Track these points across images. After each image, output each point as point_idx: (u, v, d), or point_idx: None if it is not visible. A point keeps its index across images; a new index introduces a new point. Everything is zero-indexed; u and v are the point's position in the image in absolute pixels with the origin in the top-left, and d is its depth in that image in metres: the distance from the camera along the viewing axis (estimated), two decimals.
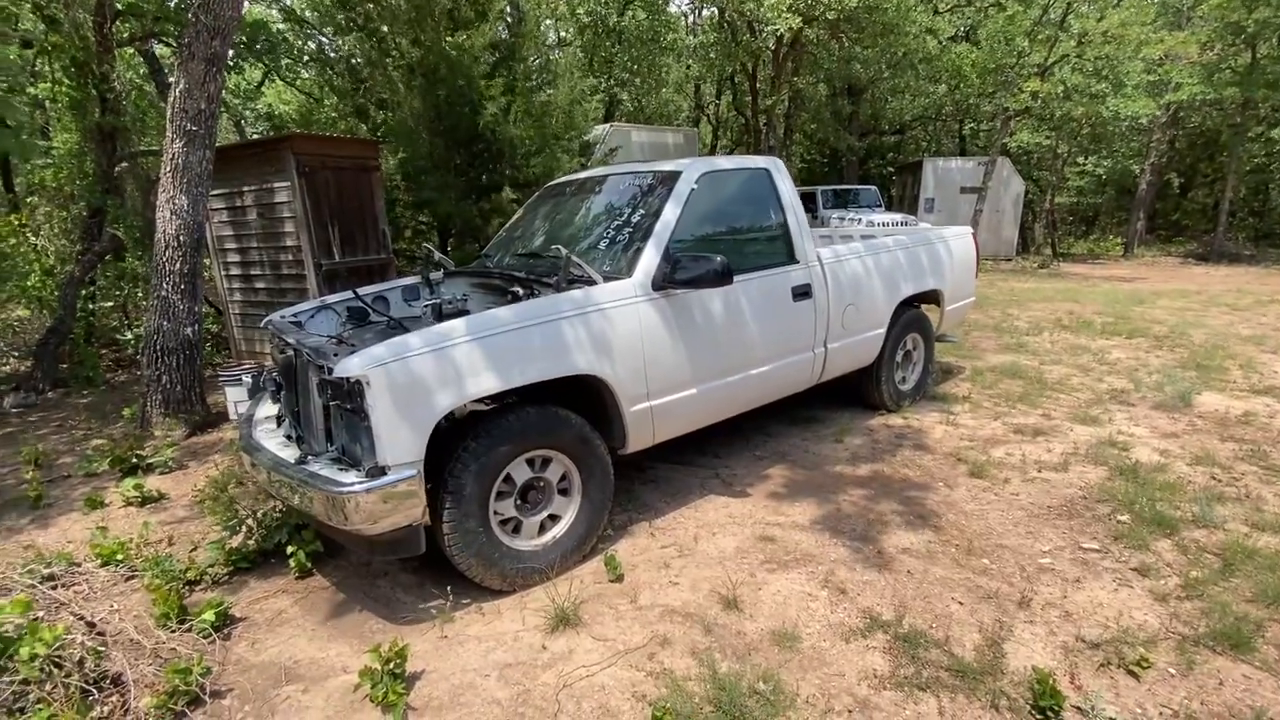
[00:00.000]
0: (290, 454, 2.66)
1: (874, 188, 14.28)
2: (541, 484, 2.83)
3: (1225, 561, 2.77)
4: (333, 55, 8.90)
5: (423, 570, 2.90)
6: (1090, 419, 4.47)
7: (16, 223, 6.54)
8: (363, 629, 2.56)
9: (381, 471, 2.33)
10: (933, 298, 4.85)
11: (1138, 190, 15.77)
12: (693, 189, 3.30)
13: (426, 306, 3.93)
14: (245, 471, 3.20)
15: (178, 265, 4.55)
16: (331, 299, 3.81)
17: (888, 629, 2.46)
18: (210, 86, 4.42)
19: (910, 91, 15.15)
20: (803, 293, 3.68)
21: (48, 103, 7.00)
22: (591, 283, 2.93)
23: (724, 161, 3.56)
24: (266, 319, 3.62)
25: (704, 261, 2.90)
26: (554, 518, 2.88)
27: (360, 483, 2.28)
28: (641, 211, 3.26)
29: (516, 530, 2.78)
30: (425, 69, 6.97)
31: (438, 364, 2.40)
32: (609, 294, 2.88)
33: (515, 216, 4.31)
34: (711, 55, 13.39)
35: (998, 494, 3.50)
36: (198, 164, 4.51)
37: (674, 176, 3.32)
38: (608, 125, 9.68)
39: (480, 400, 2.64)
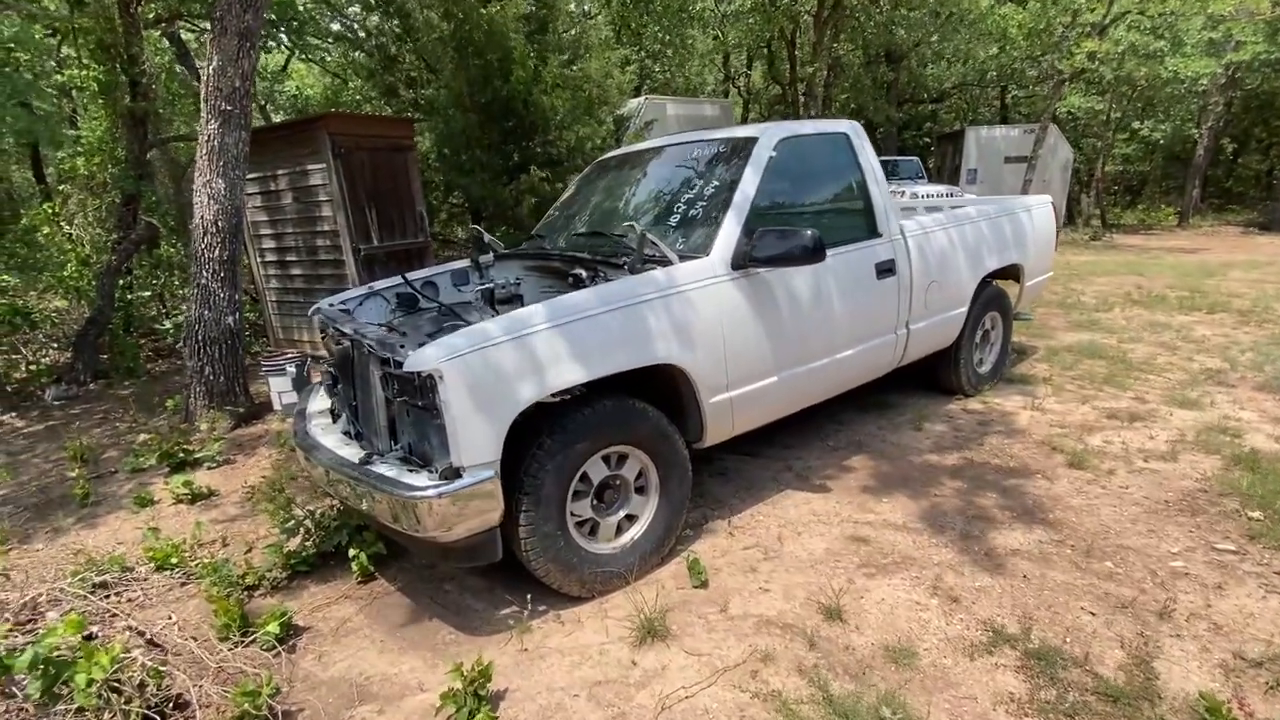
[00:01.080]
0: (351, 452, 2.47)
1: (915, 159, 13.67)
2: (618, 482, 2.61)
3: None
4: (360, 34, 8.65)
5: (491, 573, 2.70)
6: (1189, 402, 4.12)
7: (50, 211, 6.46)
8: (435, 640, 2.38)
9: (456, 473, 2.13)
10: (1012, 273, 4.50)
11: (1194, 156, 14.92)
12: (771, 156, 3.00)
13: (477, 291, 3.73)
14: (300, 469, 3.03)
15: (216, 252, 4.38)
16: (379, 285, 3.60)
17: (1015, 644, 2.20)
18: (244, 63, 4.20)
19: (951, 56, 14.40)
20: (886, 269, 3.38)
21: (74, 90, 6.87)
22: (667, 263, 2.67)
23: (803, 126, 3.25)
24: (314, 308, 3.43)
25: (791, 236, 2.61)
26: (631, 518, 2.66)
27: (434, 486, 2.08)
28: (715, 183, 2.98)
29: (593, 532, 2.57)
30: (459, 41, 6.69)
31: (515, 355, 2.17)
32: (689, 274, 2.62)
33: (566, 193, 4.05)
34: (751, 21, 12.81)
35: (1105, 487, 3.20)
36: (234, 146, 4.31)
37: (750, 143, 3.03)
38: (642, 98, 9.32)
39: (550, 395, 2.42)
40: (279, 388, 4.68)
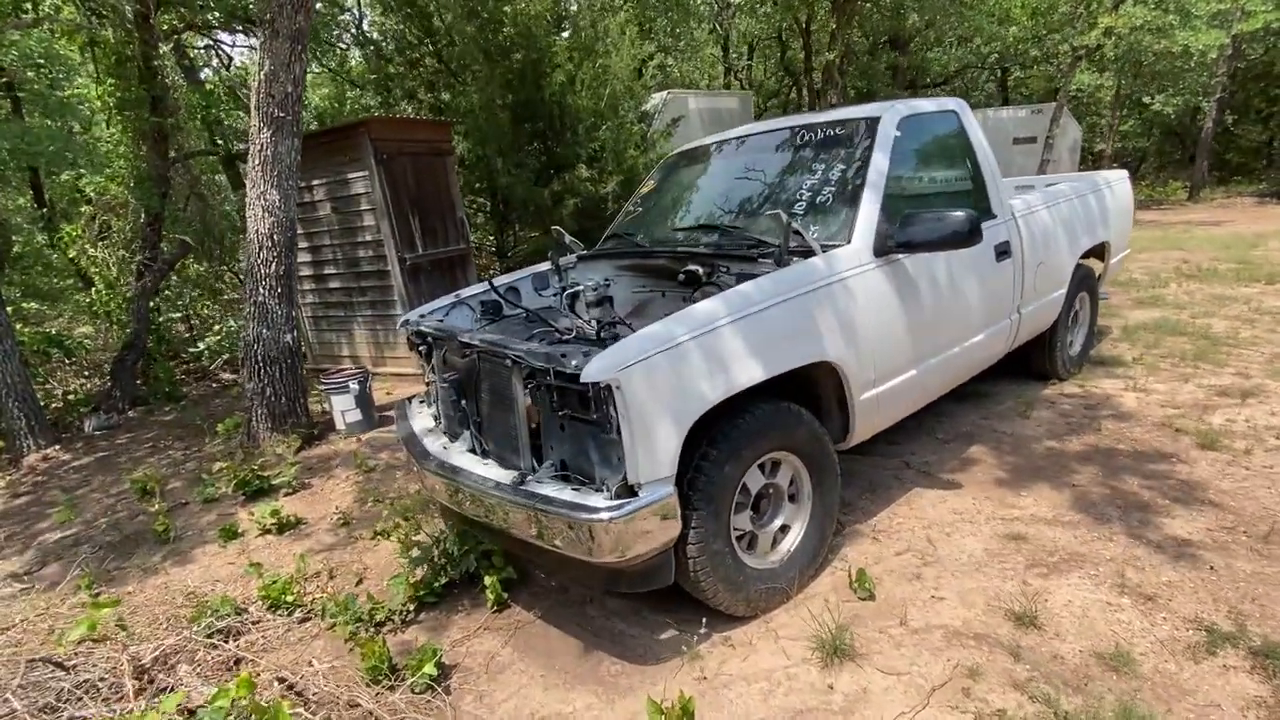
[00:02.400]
0: (494, 473, 2.28)
1: None
2: (771, 491, 2.43)
3: None
4: (376, 37, 8.42)
5: (631, 595, 2.52)
6: None
7: (73, 234, 6.20)
8: (600, 673, 2.19)
9: (631, 491, 1.95)
10: (1096, 250, 4.36)
11: (1202, 129, 14.91)
12: (896, 136, 2.84)
13: (566, 295, 3.54)
14: (422, 493, 2.84)
15: (272, 267, 4.17)
16: (465, 293, 3.42)
17: (1235, 642, 2.04)
18: (296, 68, 4.00)
19: (953, 39, 14.31)
20: (1004, 251, 3.22)
21: (93, 104, 6.61)
22: (810, 254, 2.49)
23: (919, 103, 3.08)
24: (403, 320, 3.24)
25: (945, 219, 2.44)
26: (784, 528, 2.49)
27: (614, 506, 1.89)
28: (841, 166, 2.81)
29: (750, 546, 2.39)
30: (488, 41, 6.49)
31: (693, 358, 2.00)
32: (841, 264, 2.45)
33: (644, 188, 3.87)
34: (766, 9, 12.62)
35: (1247, 467, 3.05)
36: (287, 154, 4.11)
37: (873, 123, 2.86)
38: (665, 93, 9.15)
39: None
40: (342, 406, 4.47)
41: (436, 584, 2.53)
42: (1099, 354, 4.72)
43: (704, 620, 2.26)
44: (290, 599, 2.57)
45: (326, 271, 6.01)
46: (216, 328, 6.43)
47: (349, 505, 3.52)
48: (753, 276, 2.54)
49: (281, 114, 4.02)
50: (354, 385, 4.43)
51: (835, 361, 2.39)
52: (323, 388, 4.52)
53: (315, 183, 5.66)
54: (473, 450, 2.54)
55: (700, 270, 2.78)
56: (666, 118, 8.39)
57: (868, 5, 10.69)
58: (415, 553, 2.57)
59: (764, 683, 2.07)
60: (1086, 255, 4.28)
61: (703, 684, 2.09)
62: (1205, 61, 13.08)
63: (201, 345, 6.34)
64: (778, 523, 2.45)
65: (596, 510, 1.90)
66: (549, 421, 2.18)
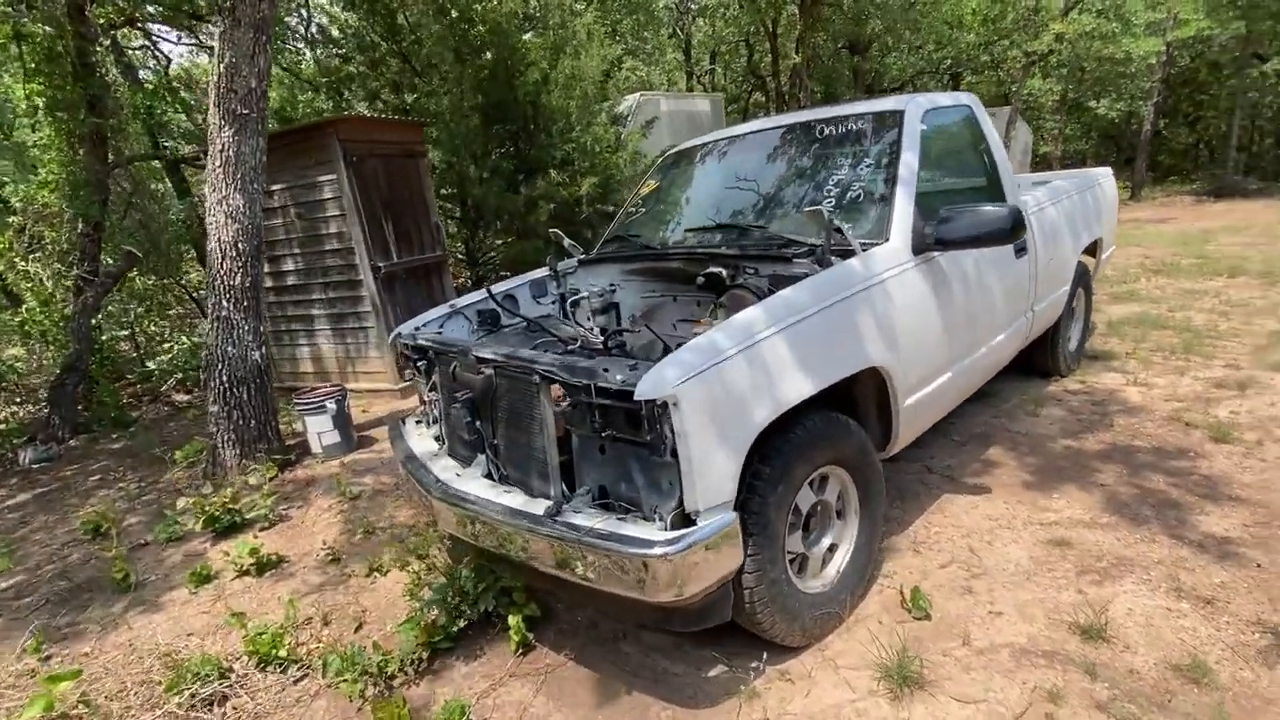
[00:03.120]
0: (516, 501, 2.05)
1: None
2: (820, 508, 2.27)
3: None
4: (336, 35, 7.99)
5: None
6: None
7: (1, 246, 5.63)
8: (649, 717, 1.98)
9: (688, 519, 1.75)
10: (1090, 247, 4.38)
11: (1140, 132, 15.67)
12: (921, 129, 2.73)
13: (560, 300, 3.32)
14: (426, 523, 2.57)
15: (238, 279, 3.81)
16: (460, 303, 3.17)
17: None
18: (260, 60, 3.66)
19: (910, 44, 14.66)
20: (1021, 248, 3.15)
21: (18, 104, 6.01)
22: (849, 253, 2.35)
23: (938, 98, 2.99)
24: (394, 333, 2.97)
25: (983, 215, 2.33)
26: (832, 548, 2.33)
27: (673, 539, 1.69)
28: (869, 162, 2.68)
29: (801, 569, 2.22)
30: (458, 40, 6.20)
31: (748, 369, 1.82)
32: (882, 263, 2.31)
33: (645, 188, 3.68)
34: (735, 12, 12.62)
35: (1264, 459, 3.06)
36: (251, 155, 3.76)
37: (898, 116, 2.74)
38: (637, 95, 8.99)
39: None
40: (318, 428, 4.12)
41: (453, 628, 2.27)
42: (1092, 349, 4.75)
43: (764, 655, 2.08)
44: (283, 653, 2.27)
45: (289, 282, 5.61)
46: (167, 345, 5.92)
47: (336, 538, 3.21)
48: (788, 278, 2.38)
49: (245, 111, 3.68)
50: (331, 404, 4.09)
51: (882, 367, 2.25)
52: (296, 408, 4.16)
53: (276, 187, 5.27)
54: (488, 476, 2.29)
55: (724, 272, 2.61)
56: (639, 120, 8.22)
57: (829, 10, 10.80)
58: (428, 593, 2.29)
59: None
60: (1085, 251, 4.30)
61: None
62: (1144, 68, 13.74)
63: (151, 365, 5.83)
64: (826, 542, 2.29)
65: (652, 544, 1.69)
66: (585, 444, 1.97)
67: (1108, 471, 3.11)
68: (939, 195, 2.91)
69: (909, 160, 2.59)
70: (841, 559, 2.31)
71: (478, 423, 2.29)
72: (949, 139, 3.06)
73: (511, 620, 2.24)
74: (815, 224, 2.28)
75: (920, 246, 2.46)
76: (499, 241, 8.45)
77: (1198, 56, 16.32)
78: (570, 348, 2.69)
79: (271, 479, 3.84)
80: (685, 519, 1.76)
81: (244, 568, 2.93)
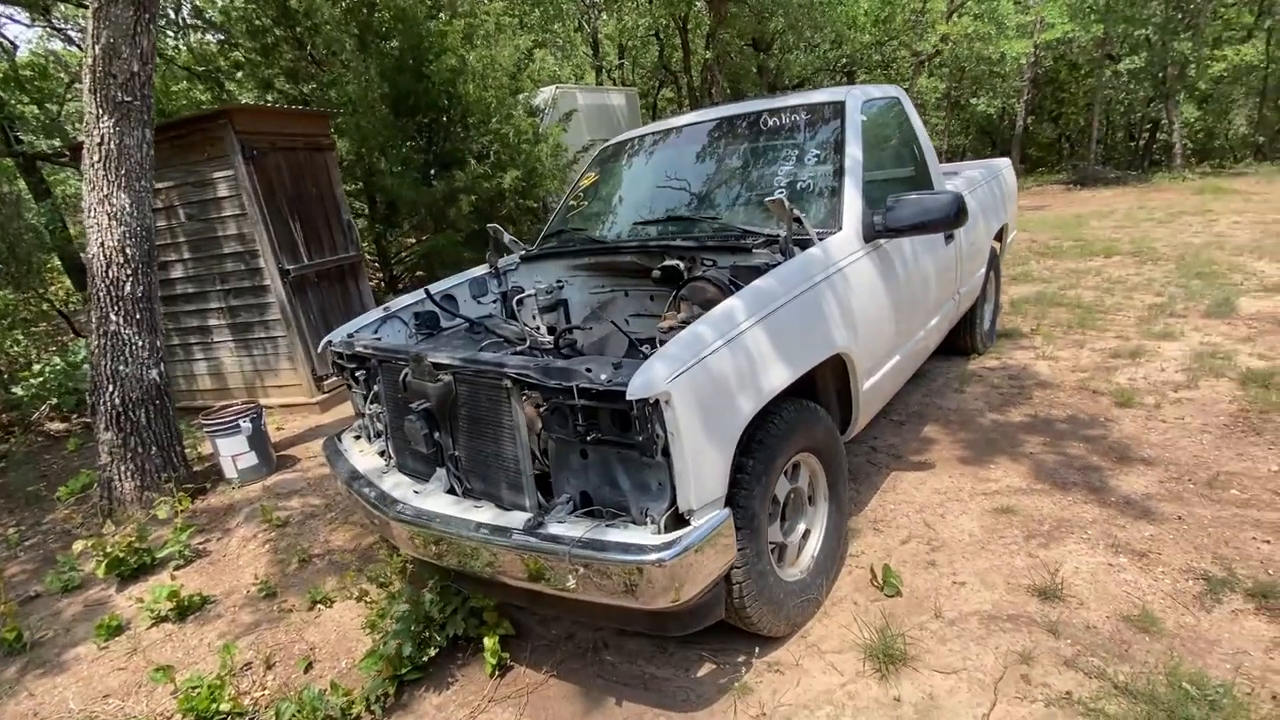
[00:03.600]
0: (487, 516, 1.92)
1: None
2: (793, 496, 2.28)
3: None
4: (217, 18, 7.25)
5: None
6: (1165, 334, 4.54)
7: None
8: None
9: (682, 520, 1.69)
10: (998, 233, 4.69)
11: (1015, 127, 17.13)
12: (862, 120, 2.79)
13: (501, 299, 3.18)
14: (387, 549, 2.37)
15: (128, 288, 3.37)
16: (395, 305, 2.96)
17: (1232, 587, 2.18)
18: (143, 41, 3.24)
19: (810, 43, 15.28)
20: (950, 234, 3.31)
21: None
22: (808, 243, 2.36)
23: (871, 90, 3.07)
24: (324, 341, 2.72)
25: (929, 202, 2.41)
26: (805, 534, 2.35)
27: (669, 541, 1.63)
28: (815, 152, 2.72)
29: (780, 559, 2.22)
30: (361, 25, 5.80)
31: (733, 360, 1.77)
32: (839, 251, 2.34)
33: (585, 180, 3.57)
34: (649, 4, 12.56)
35: (1164, 420, 3.38)
36: (137, 148, 3.33)
37: (839, 107, 2.80)
38: (553, 87, 8.77)
39: None
40: (232, 450, 3.73)
41: (422, 657, 2.10)
42: (1001, 328, 5.11)
43: (755, 649, 2.06)
44: (224, 706, 2.02)
45: (181, 290, 5.05)
46: (36, 368, 5.18)
47: (267, 570, 2.91)
48: (749, 269, 2.38)
49: (127, 98, 3.24)
50: (246, 424, 3.71)
51: (844, 352, 2.28)
52: (205, 430, 3.74)
53: (162, 185, 4.72)
54: (451, 491, 2.14)
55: (681, 265, 2.57)
56: (557, 113, 8.04)
57: (735, 6, 11.05)
58: (391, 624, 2.10)
59: (828, 707, 1.90)
60: (994, 237, 4.60)
61: None
62: (1015, 68, 14.99)
63: (19, 390, 5.07)
64: (800, 528, 2.31)
65: (649, 549, 1.62)
66: (562, 449, 1.86)
67: (1033, 441, 3.33)
68: (874, 185, 3.00)
69: (854, 150, 2.64)
70: (815, 544, 2.34)
71: (436, 434, 2.12)
72: (882, 129, 3.16)
73: (487, 642, 2.10)
74: (777, 214, 2.27)
75: (870, 234, 2.51)
76: (411, 241, 8.04)
77: (1060, 58, 18.00)
78: (519, 348, 2.57)
79: (183, 511, 3.43)
80: (680, 520, 1.71)
81: (161, 613, 2.60)
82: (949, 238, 3.31)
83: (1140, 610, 2.12)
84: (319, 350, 2.74)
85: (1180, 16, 13.07)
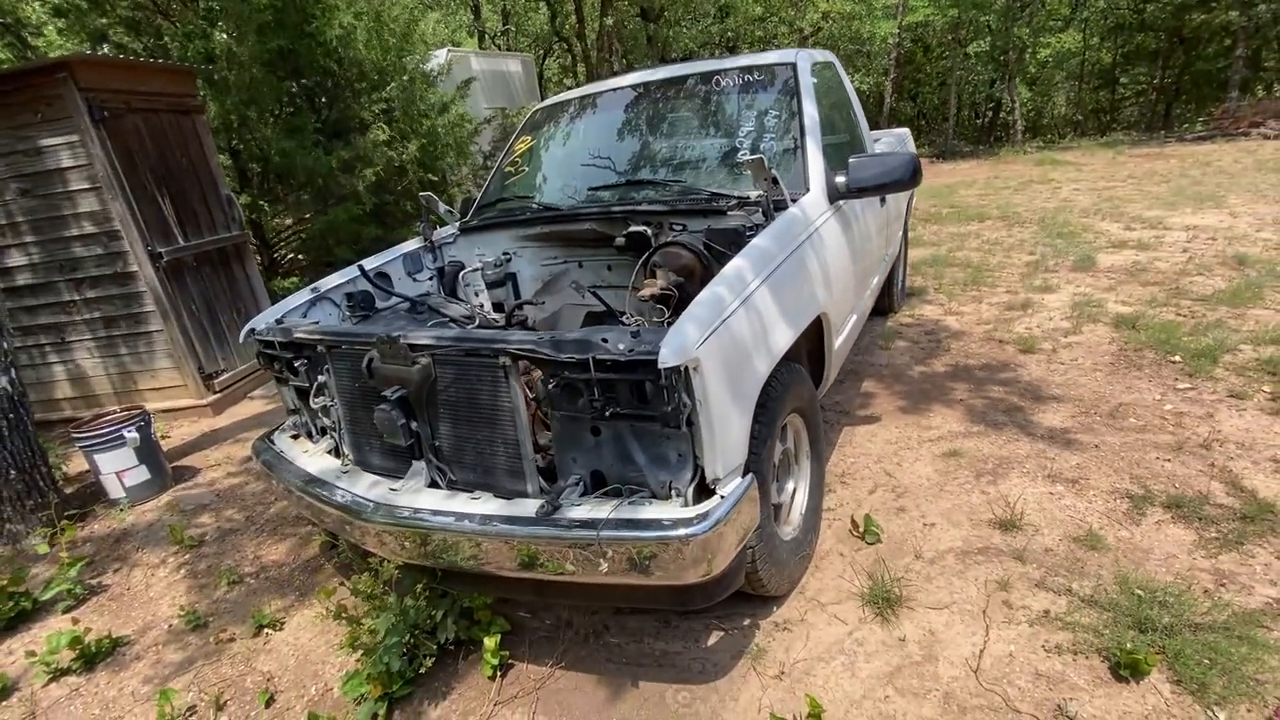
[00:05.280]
0: (489, 507, 1.76)
1: None
2: (783, 457, 2.29)
3: (1278, 372, 3.31)
4: None
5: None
6: (1046, 288, 5.07)
7: None
8: (671, 707, 1.86)
9: (708, 490, 1.64)
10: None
11: (883, 104, 18.39)
12: (813, 82, 2.81)
13: (438, 275, 2.95)
14: (358, 555, 2.10)
15: None
16: (324, 286, 2.64)
17: (1151, 502, 2.48)
18: None
19: (695, 15, 15.43)
20: (883, 196, 3.46)
21: None
22: (783, 204, 2.35)
23: (815, 54, 3.10)
24: (247, 328, 2.37)
25: (890, 161, 2.48)
26: (793, 492, 2.38)
27: (703, 514, 1.57)
28: (774, 114, 2.71)
29: (776, 518, 2.23)
30: None
31: (745, 326, 1.72)
32: (813, 212, 2.35)
33: (520, 145, 3.34)
34: None
35: (1063, 362, 3.78)
36: None
37: (791, 68, 2.80)
38: (445, 50, 8.13)
39: None
40: (116, 465, 3.19)
41: (416, 670, 1.91)
42: (909, 287, 5.49)
43: (738, 613, 2.06)
44: None
45: (19, 281, 4.21)
46: None
47: (190, 598, 2.52)
48: (726, 231, 2.33)
49: None
50: (131, 434, 3.18)
51: (824, 312, 2.31)
52: (80, 445, 3.16)
53: None
54: (434, 485, 1.94)
55: (648, 230, 2.48)
56: (454, 79, 7.52)
57: None
58: (384, 637, 1.88)
59: (841, 657, 1.95)
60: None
61: (785, 679, 1.89)
62: (883, 48, 16.03)
63: None
64: (790, 487, 2.33)
65: (681, 523, 1.55)
66: (569, 428, 1.73)
67: (959, 389, 3.61)
68: (832, 146, 3.05)
69: (810, 110, 2.66)
70: (802, 501, 2.37)
71: (413, 424, 1.90)
72: (827, 92, 3.21)
73: (487, 642, 1.95)
74: (756, 175, 2.23)
75: (834, 194, 2.55)
76: (290, 221, 7.25)
77: (916, 40, 19.49)
78: (469, 327, 2.37)
79: (67, 542, 2.88)
80: (707, 490, 1.65)
81: (61, 666, 2.17)
82: (883, 200, 3.45)
83: (1086, 531, 2.36)
84: (241, 339, 2.37)
85: (1019, 4, 14.53)
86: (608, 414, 1.62)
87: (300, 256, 7.64)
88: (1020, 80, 17.79)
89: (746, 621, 2.11)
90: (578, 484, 1.75)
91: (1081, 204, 8.18)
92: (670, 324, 1.59)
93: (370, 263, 2.81)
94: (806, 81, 2.75)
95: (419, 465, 1.96)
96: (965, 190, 10.66)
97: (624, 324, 2.07)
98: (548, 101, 3.45)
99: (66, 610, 2.52)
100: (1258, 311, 4.11)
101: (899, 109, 25.40)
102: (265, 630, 2.29)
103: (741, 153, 2.62)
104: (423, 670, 1.93)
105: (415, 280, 2.99)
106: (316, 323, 2.34)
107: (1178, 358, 3.62)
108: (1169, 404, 3.18)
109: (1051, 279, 5.27)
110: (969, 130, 21.67)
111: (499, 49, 15.70)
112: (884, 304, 4.70)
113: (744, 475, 1.70)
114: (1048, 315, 4.51)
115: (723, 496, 1.62)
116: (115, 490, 3.22)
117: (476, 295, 2.92)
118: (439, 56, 7.45)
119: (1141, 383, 3.42)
